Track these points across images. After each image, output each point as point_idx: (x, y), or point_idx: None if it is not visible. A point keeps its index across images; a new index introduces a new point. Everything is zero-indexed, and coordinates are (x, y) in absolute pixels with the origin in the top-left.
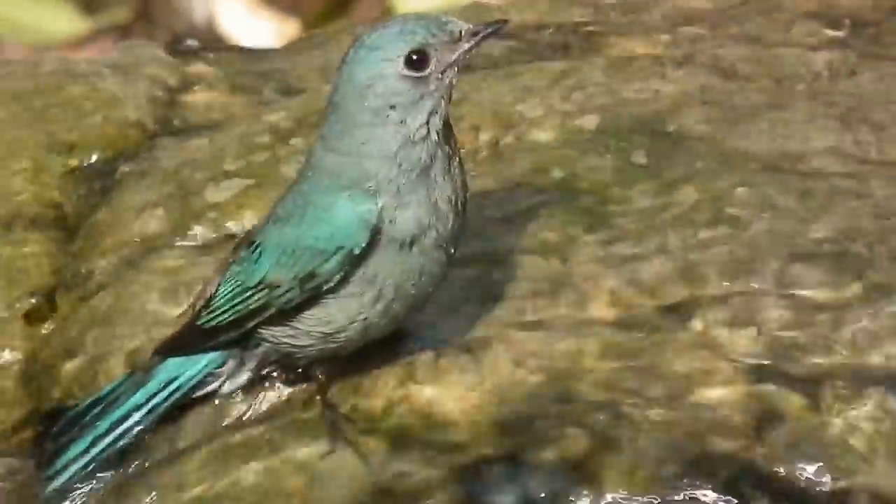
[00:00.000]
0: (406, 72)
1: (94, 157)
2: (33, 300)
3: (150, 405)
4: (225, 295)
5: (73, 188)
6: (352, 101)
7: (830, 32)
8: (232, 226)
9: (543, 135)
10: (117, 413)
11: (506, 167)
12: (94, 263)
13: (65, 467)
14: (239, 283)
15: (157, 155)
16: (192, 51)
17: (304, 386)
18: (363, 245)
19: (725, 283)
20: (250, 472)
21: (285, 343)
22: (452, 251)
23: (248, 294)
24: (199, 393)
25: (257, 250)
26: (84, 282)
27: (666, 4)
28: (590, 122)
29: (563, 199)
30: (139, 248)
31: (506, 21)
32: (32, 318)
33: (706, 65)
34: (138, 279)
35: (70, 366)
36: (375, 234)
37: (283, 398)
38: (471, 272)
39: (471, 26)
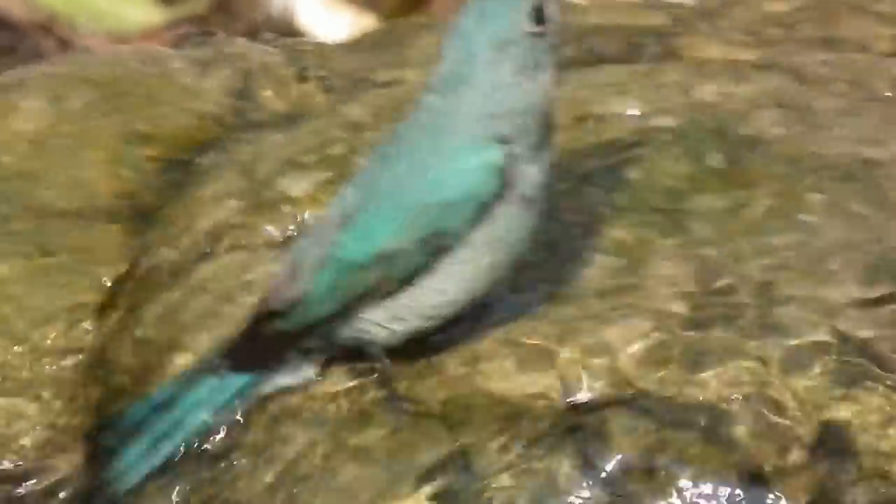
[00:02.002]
0: (532, 29)
1: (169, 149)
2: (106, 291)
3: (210, 406)
4: (323, 286)
5: (148, 179)
6: (479, 65)
7: None
8: (306, 219)
9: (620, 134)
10: (175, 415)
11: (580, 166)
12: (166, 255)
13: (124, 472)
14: (342, 265)
15: (232, 147)
16: (270, 43)
17: (366, 371)
18: (493, 192)
19: (798, 290)
20: (315, 464)
21: (386, 328)
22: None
23: (359, 274)
24: (265, 390)
25: (362, 226)
26: (156, 274)
27: (741, 8)
28: (665, 123)
29: (637, 200)
30: (212, 241)
31: None
32: (104, 308)
33: (782, 68)
34: (211, 273)
35: (138, 359)
36: (504, 184)
37: (345, 385)
38: (542, 268)
39: None
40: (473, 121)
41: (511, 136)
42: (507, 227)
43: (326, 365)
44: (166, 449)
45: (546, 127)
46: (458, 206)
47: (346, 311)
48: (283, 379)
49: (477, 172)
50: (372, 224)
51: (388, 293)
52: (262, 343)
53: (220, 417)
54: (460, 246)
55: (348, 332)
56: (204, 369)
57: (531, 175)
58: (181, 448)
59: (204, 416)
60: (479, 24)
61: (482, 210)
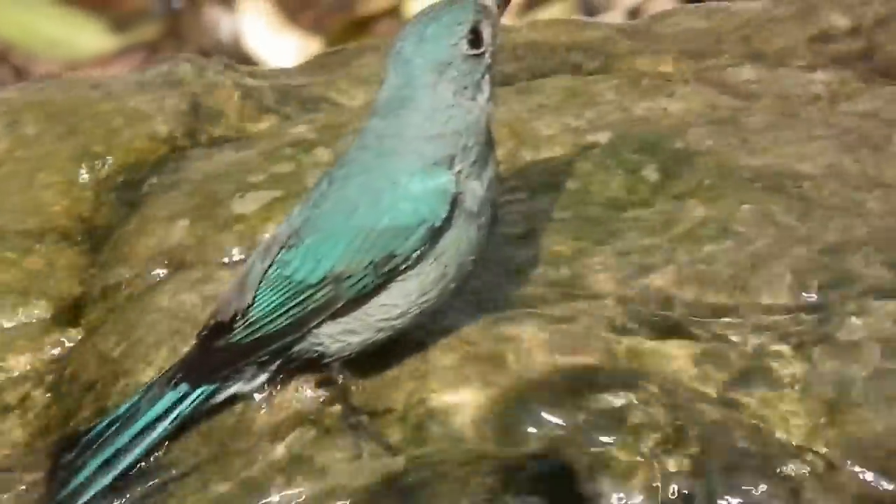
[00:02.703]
0: (469, 51)
1: (123, 171)
2: (63, 311)
3: (168, 420)
4: (272, 302)
5: (102, 201)
6: (419, 87)
7: (830, 54)
8: (258, 237)
9: (557, 150)
10: (133, 430)
11: (520, 181)
12: (121, 274)
13: (80, 489)
14: (291, 284)
15: (184, 167)
16: (219, 67)
17: (321, 384)
18: (444, 217)
19: (731, 296)
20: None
21: (339, 340)
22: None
23: (308, 293)
24: (220, 398)
25: (312, 246)
26: (112, 293)
27: (671, 26)
28: (602, 138)
29: (576, 213)
30: (167, 260)
31: None
32: (62, 329)
33: (712, 84)
34: (166, 291)
35: (98, 377)
36: (453, 206)
37: (301, 399)
38: (485, 280)
39: None
40: (419, 144)
41: (455, 156)
42: (455, 241)
43: (283, 375)
44: (122, 465)
45: (488, 144)
46: (410, 230)
47: (297, 326)
48: (239, 387)
49: (428, 199)
50: (322, 246)
51: (339, 309)
52: (214, 356)
53: (176, 431)
54: (410, 264)
55: (302, 344)
56: (160, 383)
57: (475, 191)
58: (136, 463)
59: (160, 430)
60: (418, 47)
61: (433, 233)
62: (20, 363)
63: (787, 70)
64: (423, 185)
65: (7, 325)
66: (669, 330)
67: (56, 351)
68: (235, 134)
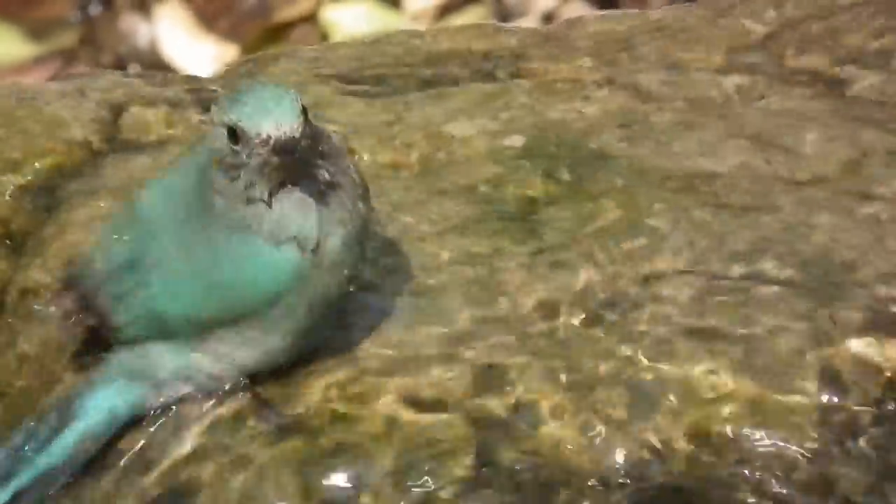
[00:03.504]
0: (227, 142)
1: (40, 176)
2: None
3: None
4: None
5: (19, 205)
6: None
7: (741, 58)
8: None
9: (472, 153)
10: (40, 464)
11: (437, 184)
12: (40, 279)
13: None
14: (153, 315)
15: (102, 173)
16: (136, 74)
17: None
18: (290, 282)
19: (647, 288)
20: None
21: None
22: (362, 249)
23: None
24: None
25: (163, 290)
26: (31, 296)
27: (585, 31)
28: (517, 141)
29: (492, 214)
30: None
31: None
32: None
33: (625, 87)
34: None
35: (25, 381)
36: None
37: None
38: (403, 284)
39: (284, 136)
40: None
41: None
42: (317, 289)
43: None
44: (25, 479)
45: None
46: (256, 295)
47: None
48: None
49: (271, 268)
50: (170, 296)
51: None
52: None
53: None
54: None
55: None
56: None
57: (333, 244)
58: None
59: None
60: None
61: (278, 297)
62: None
63: (700, 73)
64: (266, 258)
65: None
66: (591, 329)
67: None
68: (152, 140)
